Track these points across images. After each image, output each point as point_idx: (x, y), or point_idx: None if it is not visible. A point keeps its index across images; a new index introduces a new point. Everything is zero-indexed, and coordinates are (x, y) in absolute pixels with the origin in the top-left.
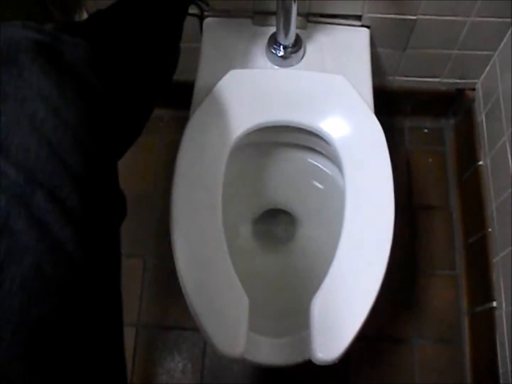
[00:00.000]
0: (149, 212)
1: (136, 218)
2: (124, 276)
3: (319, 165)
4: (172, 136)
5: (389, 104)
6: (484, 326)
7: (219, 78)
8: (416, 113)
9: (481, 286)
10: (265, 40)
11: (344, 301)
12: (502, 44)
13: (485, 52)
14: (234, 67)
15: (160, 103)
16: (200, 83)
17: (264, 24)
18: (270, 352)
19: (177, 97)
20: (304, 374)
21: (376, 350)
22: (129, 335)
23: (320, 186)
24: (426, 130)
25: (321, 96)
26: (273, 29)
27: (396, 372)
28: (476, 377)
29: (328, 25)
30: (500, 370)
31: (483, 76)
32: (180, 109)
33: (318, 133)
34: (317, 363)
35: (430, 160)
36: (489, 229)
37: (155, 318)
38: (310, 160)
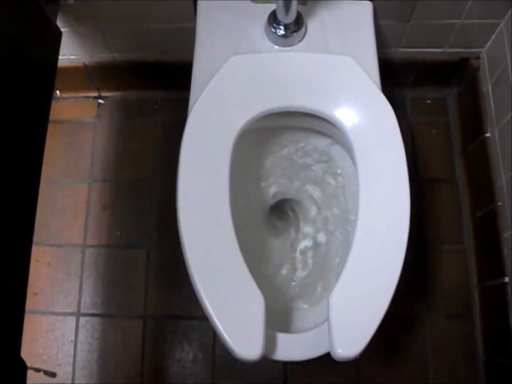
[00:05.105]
0: (148, 200)
1: (135, 207)
2: (128, 267)
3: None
4: (167, 118)
5: (390, 76)
6: (496, 300)
7: (218, 61)
8: (418, 83)
9: (491, 261)
10: (264, 19)
11: (363, 294)
12: (510, 11)
13: (491, 20)
14: (232, 48)
15: (154, 84)
16: (198, 67)
17: (263, 0)
18: (287, 348)
19: (171, 78)
20: None
21: (387, 328)
22: (137, 328)
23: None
24: (429, 101)
25: (331, 80)
26: (272, 7)
27: (408, 349)
28: (489, 352)
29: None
30: None
31: (488, 44)
32: (174, 90)
33: (331, 120)
34: (338, 359)
35: (434, 131)
36: (499, 203)
37: (162, 309)
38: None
